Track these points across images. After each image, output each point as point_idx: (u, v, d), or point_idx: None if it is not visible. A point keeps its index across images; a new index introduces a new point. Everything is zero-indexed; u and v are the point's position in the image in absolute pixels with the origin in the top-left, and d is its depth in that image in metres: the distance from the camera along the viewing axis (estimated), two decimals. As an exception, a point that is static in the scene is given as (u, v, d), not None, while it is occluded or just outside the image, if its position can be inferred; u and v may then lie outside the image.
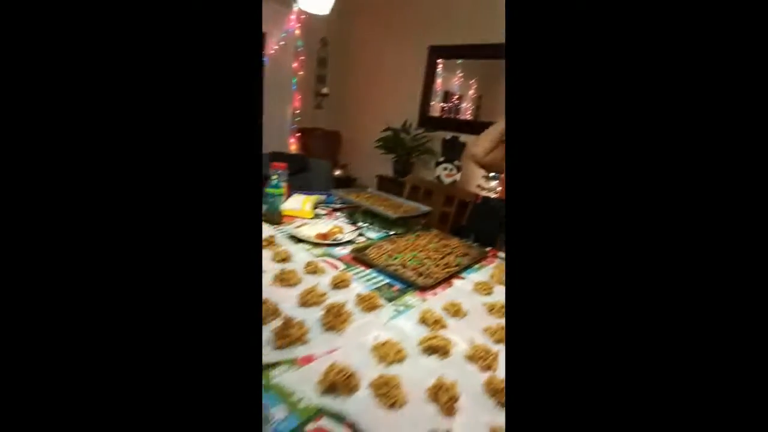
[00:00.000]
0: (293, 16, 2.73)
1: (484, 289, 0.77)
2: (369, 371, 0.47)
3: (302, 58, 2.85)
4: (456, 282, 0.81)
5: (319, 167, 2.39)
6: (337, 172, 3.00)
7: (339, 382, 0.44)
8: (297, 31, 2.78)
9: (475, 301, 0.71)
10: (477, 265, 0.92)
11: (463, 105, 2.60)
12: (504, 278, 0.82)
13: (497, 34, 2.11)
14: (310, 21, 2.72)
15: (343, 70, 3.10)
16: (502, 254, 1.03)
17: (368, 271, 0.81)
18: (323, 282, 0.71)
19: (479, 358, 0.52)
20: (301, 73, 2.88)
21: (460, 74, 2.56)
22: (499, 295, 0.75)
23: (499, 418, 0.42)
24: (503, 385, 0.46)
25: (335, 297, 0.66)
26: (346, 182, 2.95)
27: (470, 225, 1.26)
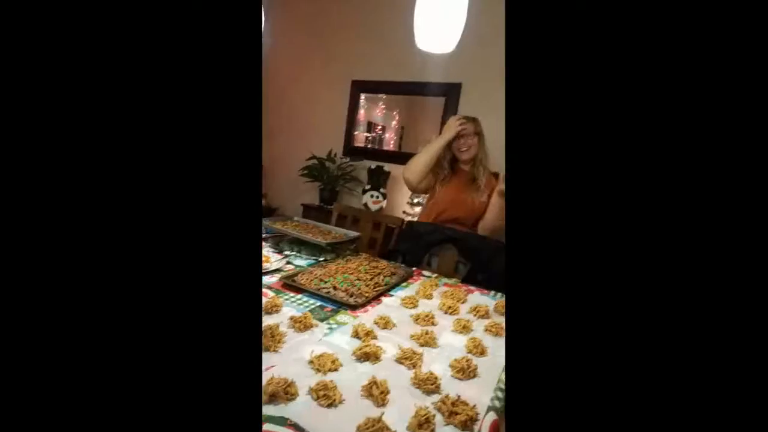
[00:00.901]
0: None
1: (410, 303, 0.90)
2: (307, 380, 0.54)
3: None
4: (385, 299, 0.92)
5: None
6: (256, 202, 2.97)
7: (278, 392, 0.50)
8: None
9: (402, 314, 0.83)
10: (404, 284, 1.05)
11: (387, 135, 2.86)
12: (428, 292, 0.97)
13: (416, 73, 2.45)
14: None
15: (263, 101, 3.15)
16: (426, 273, 1.19)
17: (299, 296, 0.88)
18: (253, 309, 0.75)
19: (406, 359, 0.63)
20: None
21: (383, 106, 2.85)
22: (423, 307, 0.89)
23: (423, 400, 0.53)
24: (427, 376, 0.57)
25: (268, 321, 0.71)
26: (267, 212, 2.93)
27: (397, 248, 1.41)
